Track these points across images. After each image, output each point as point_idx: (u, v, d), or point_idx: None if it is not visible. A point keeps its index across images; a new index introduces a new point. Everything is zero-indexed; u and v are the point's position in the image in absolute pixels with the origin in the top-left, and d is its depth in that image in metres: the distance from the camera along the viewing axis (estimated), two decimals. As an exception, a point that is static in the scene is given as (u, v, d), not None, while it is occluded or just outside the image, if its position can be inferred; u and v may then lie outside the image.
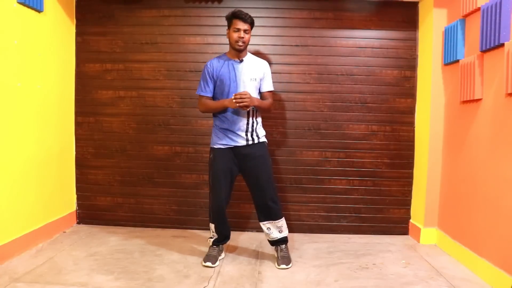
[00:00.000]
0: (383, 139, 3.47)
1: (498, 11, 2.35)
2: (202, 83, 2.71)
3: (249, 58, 2.73)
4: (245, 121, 2.65)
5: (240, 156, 2.68)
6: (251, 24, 2.64)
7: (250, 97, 2.54)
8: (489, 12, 2.45)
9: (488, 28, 2.46)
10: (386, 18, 3.42)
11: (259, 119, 2.76)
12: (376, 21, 3.43)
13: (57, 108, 3.28)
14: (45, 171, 3.10)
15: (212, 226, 2.79)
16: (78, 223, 3.58)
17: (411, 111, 3.46)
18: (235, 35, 2.59)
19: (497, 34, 2.37)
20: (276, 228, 2.77)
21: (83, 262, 2.68)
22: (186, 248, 3.02)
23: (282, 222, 2.79)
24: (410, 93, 3.45)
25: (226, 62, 2.67)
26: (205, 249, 2.87)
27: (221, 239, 2.81)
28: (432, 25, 3.14)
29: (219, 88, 2.67)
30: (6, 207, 2.66)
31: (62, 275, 2.46)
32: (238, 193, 3.33)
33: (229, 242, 3.09)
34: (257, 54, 3.35)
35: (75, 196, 3.57)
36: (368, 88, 3.45)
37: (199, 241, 3.19)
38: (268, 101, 2.75)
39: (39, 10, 2.93)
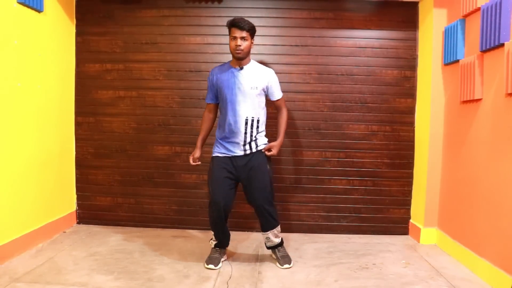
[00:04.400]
0: (383, 139, 3.47)
1: (498, 11, 2.35)
2: (207, 90, 2.78)
3: (251, 66, 2.66)
4: (243, 133, 2.63)
5: (237, 166, 2.66)
6: (250, 31, 2.55)
7: (274, 146, 2.69)
8: (489, 12, 2.45)
9: (488, 28, 2.46)
10: (386, 18, 3.42)
11: (262, 129, 2.73)
12: (376, 21, 3.43)
13: (57, 108, 3.28)
14: (45, 171, 3.10)
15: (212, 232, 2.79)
16: (78, 223, 3.58)
17: (411, 111, 3.46)
18: (232, 43, 2.56)
19: (497, 34, 2.37)
20: (273, 235, 2.75)
21: (83, 262, 2.68)
22: (186, 248, 3.02)
23: (279, 227, 2.78)
24: (410, 93, 3.45)
25: (227, 70, 2.67)
26: (205, 249, 2.87)
27: (220, 246, 2.80)
28: (432, 25, 3.14)
29: (220, 95, 2.69)
30: (6, 207, 2.66)
31: (62, 275, 2.46)
32: (238, 193, 3.32)
33: (230, 242, 3.09)
34: (258, 54, 3.36)
35: (75, 196, 3.57)
36: (368, 88, 3.45)
37: (199, 241, 3.19)
38: (284, 117, 2.78)
39: (39, 10, 2.93)
